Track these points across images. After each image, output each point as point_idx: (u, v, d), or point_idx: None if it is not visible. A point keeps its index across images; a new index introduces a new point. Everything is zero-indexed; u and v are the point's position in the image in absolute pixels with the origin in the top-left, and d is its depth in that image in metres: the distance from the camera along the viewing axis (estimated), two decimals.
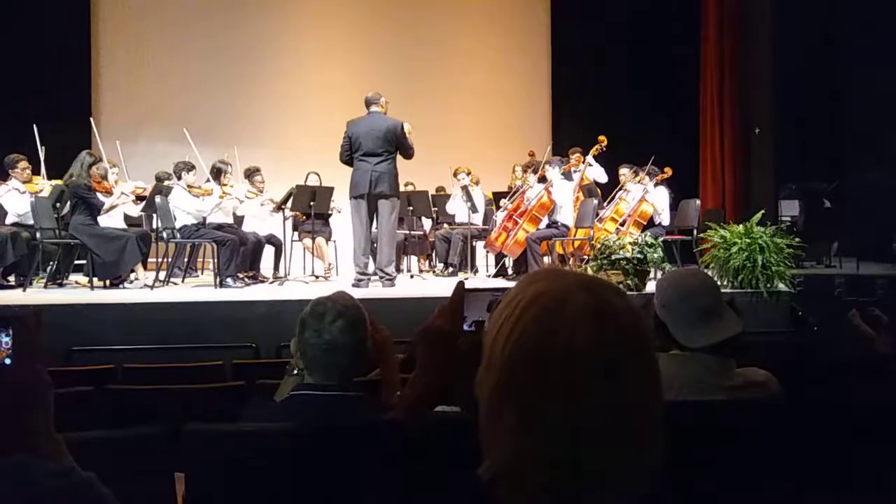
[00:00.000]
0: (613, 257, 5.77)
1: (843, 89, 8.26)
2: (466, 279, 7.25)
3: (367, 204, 6.10)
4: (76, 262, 6.68)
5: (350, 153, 6.11)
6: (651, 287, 5.51)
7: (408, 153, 6.18)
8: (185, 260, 7.24)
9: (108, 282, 6.20)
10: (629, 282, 5.72)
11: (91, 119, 7.54)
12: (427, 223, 8.57)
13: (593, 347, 0.71)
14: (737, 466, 1.72)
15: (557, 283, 0.76)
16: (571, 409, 0.70)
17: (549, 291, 0.75)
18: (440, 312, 1.26)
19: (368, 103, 6.17)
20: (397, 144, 6.09)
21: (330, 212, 7.51)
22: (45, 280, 6.38)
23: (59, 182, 6.58)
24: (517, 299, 0.76)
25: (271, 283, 6.87)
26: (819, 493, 1.73)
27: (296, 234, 7.62)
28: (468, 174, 8.12)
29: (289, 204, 7.01)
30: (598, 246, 6.09)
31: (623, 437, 0.71)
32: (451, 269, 7.83)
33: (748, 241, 5.86)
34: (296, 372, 2.06)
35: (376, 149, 6.02)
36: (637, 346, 0.73)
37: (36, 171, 6.80)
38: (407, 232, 8.00)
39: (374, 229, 6.33)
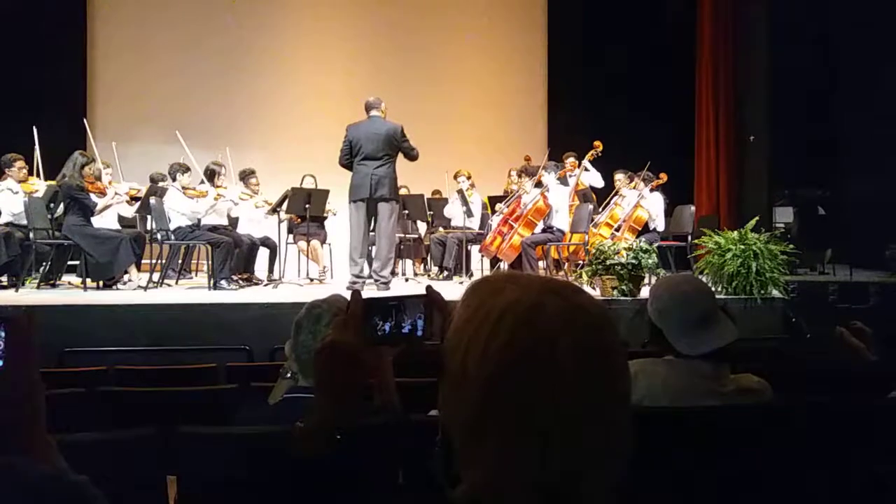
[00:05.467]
0: (608, 262, 5.78)
1: (838, 97, 8.30)
2: (461, 283, 7.25)
3: (367, 207, 6.13)
4: (69, 262, 6.65)
5: (350, 157, 6.14)
6: (645, 292, 5.52)
7: (411, 155, 6.21)
8: (179, 261, 7.23)
9: (101, 283, 6.18)
10: (624, 287, 5.73)
11: (84, 120, 7.51)
12: (422, 227, 8.58)
13: (572, 352, 0.70)
14: (731, 472, 1.72)
15: (524, 290, 0.73)
16: (557, 417, 0.69)
17: (519, 301, 0.72)
18: (340, 326, 1.13)
19: (369, 108, 6.21)
20: (398, 148, 6.12)
21: (325, 214, 7.50)
22: (37, 281, 6.35)
23: (52, 183, 6.56)
24: (482, 311, 0.73)
25: (265, 285, 6.86)
26: (812, 498, 1.73)
27: (291, 236, 7.60)
28: (468, 178, 8.13)
29: (284, 206, 7.00)
30: (593, 251, 6.10)
31: (602, 438, 0.70)
32: (445, 273, 7.84)
33: (742, 247, 5.88)
34: (289, 375, 2.05)
35: (376, 153, 6.05)
36: (610, 343, 0.73)
37: (31, 172, 6.77)
38: (402, 235, 8.00)
39: (371, 233, 6.33)
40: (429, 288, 1.15)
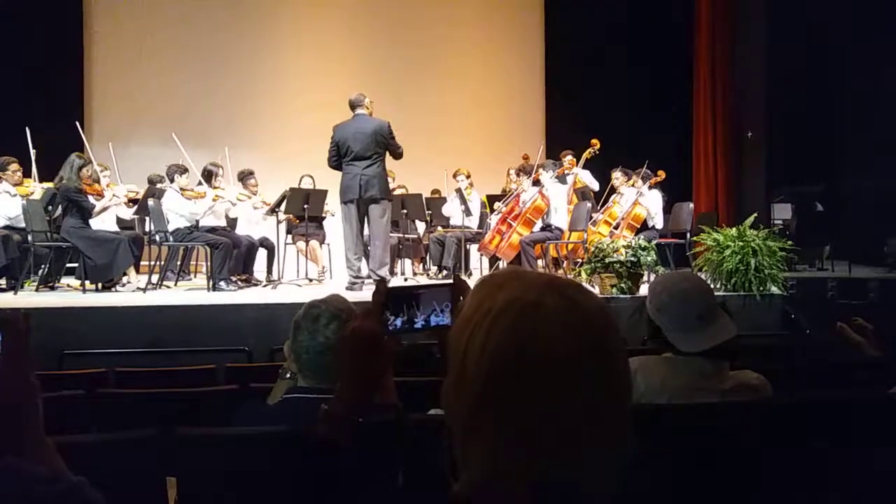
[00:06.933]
0: (607, 260, 5.78)
1: (835, 93, 8.31)
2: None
3: (358, 208, 6.10)
4: (68, 265, 6.64)
5: (338, 158, 6.10)
6: (644, 290, 5.52)
7: (396, 153, 6.17)
8: (178, 263, 7.22)
9: (100, 285, 6.18)
10: (623, 285, 5.73)
11: (77, 123, 7.49)
12: (421, 226, 8.57)
13: (571, 351, 0.70)
14: (730, 468, 1.72)
15: (525, 287, 0.74)
16: (554, 416, 0.69)
17: (521, 297, 0.73)
18: (366, 314, 1.17)
19: (353, 106, 6.14)
20: (385, 145, 6.08)
21: (324, 215, 7.50)
22: (36, 283, 6.35)
23: (50, 185, 6.56)
24: (484, 307, 0.74)
25: (264, 286, 6.85)
26: (812, 494, 1.73)
27: (289, 237, 7.60)
28: (467, 177, 8.12)
29: (282, 207, 6.99)
30: (592, 249, 6.10)
31: (601, 437, 0.70)
32: (444, 272, 7.83)
33: (741, 244, 5.88)
34: (289, 375, 2.05)
35: (364, 152, 6.00)
36: (609, 343, 0.73)
37: (27, 174, 6.77)
38: (401, 235, 8.00)
39: (366, 233, 6.32)
40: (456, 276, 1.16)
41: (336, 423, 1.25)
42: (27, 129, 6.80)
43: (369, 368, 1.18)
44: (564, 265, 7.29)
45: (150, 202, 6.58)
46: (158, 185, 7.07)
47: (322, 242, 7.61)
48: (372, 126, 6.04)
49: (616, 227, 7.34)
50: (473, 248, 7.95)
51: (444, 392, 0.76)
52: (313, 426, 1.31)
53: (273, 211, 7.15)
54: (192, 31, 9.45)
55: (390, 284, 1.22)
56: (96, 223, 6.40)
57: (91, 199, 6.30)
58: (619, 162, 7.76)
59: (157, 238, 6.51)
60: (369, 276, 6.20)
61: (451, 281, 1.15)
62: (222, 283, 6.19)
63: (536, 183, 7.41)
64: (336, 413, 1.26)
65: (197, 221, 6.53)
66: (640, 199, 7.37)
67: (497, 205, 7.79)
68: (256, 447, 1.65)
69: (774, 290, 5.85)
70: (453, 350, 0.75)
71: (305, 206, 6.81)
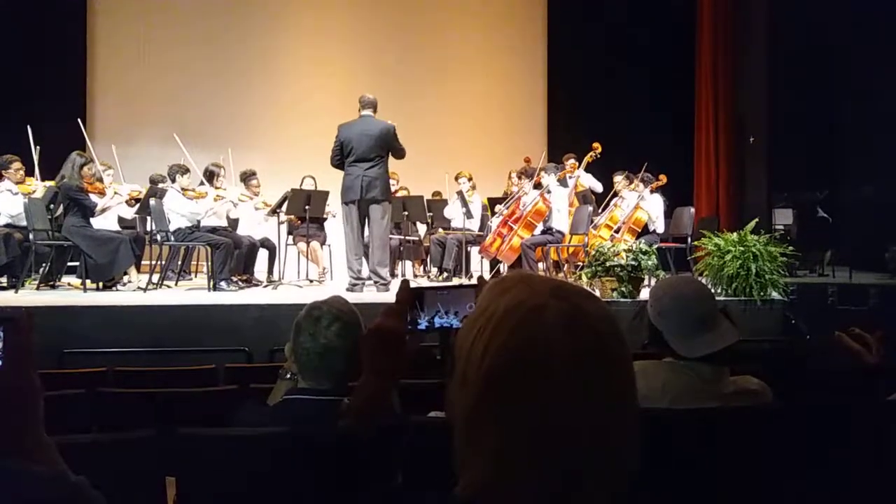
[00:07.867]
0: (608, 264, 5.78)
1: (837, 99, 8.31)
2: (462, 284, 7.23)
3: (359, 209, 6.11)
4: (69, 263, 6.64)
5: (341, 157, 6.11)
6: (645, 294, 5.52)
7: (399, 155, 6.18)
8: (179, 263, 7.23)
9: (101, 284, 6.18)
10: (623, 289, 5.73)
11: (79, 121, 7.50)
12: (422, 228, 8.57)
13: (572, 356, 0.70)
14: (730, 473, 1.72)
15: (531, 291, 0.74)
16: (554, 421, 0.69)
17: (524, 301, 0.73)
18: (388, 312, 1.18)
19: (364, 105, 6.15)
20: (389, 148, 6.08)
21: (325, 216, 7.50)
22: (37, 282, 6.35)
23: (52, 183, 6.56)
24: (489, 310, 0.74)
25: (265, 286, 6.86)
26: (812, 499, 1.73)
27: (290, 237, 7.60)
28: (469, 179, 8.13)
29: (284, 208, 7.00)
30: (593, 252, 6.10)
31: (603, 442, 0.70)
32: (445, 274, 7.83)
33: (742, 249, 5.88)
34: (289, 376, 2.05)
35: (368, 153, 6.01)
36: (612, 350, 0.73)
37: (30, 173, 6.78)
38: (402, 237, 8.00)
39: (366, 234, 6.33)
40: (480, 278, 1.17)
41: (357, 418, 1.27)
42: (29, 127, 6.82)
43: (391, 366, 1.19)
44: (565, 268, 7.29)
45: (152, 202, 6.59)
46: (160, 185, 7.08)
47: (323, 243, 7.62)
48: (378, 129, 6.05)
49: (617, 231, 7.34)
50: (474, 250, 7.95)
51: (447, 393, 0.76)
52: (336, 421, 1.33)
53: (274, 212, 7.16)
54: (195, 32, 9.46)
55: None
56: (98, 222, 6.40)
57: (93, 197, 6.31)
58: (621, 166, 7.76)
59: (159, 237, 6.52)
60: (370, 278, 6.20)
61: (474, 282, 1.16)
62: (223, 284, 6.20)
63: (538, 186, 7.41)
64: (357, 408, 1.27)
65: (198, 221, 6.53)
66: (642, 202, 7.38)
67: (498, 207, 7.79)
68: (256, 447, 1.65)
69: (775, 295, 5.85)
70: (458, 352, 0.75)
71: (307, 207, 6.82)
